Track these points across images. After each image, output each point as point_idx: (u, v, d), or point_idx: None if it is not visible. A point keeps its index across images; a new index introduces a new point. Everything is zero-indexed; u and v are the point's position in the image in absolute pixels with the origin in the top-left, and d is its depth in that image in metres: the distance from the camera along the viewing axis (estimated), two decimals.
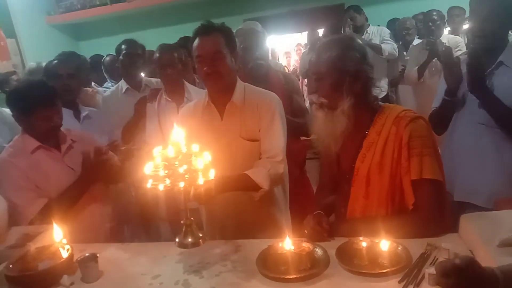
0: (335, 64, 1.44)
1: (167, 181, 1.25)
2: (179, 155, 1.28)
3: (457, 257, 0.87)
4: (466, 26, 3.59)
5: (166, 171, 1.26)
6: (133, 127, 2.63)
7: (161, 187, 1.25)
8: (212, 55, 1.68)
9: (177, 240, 1.38)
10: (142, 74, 2.98)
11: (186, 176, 1.26)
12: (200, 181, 1.28)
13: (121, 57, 2.90)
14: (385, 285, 1.16)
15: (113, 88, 3.07)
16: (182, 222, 1.38)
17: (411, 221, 1.39)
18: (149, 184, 1.26)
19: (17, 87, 1.94)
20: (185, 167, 1.26)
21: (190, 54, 2.12)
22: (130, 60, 2.88)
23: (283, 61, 7.73)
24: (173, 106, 2.46)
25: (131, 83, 2.90)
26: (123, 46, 2.92)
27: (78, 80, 2.58)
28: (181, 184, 1.26)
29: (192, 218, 1.38)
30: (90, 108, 2.66)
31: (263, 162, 1.72)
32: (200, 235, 1.38)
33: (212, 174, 1.32)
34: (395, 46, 4.21)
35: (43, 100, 1.82)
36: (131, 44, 2.94)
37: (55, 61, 2.50)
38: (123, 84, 2.91)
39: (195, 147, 1.33)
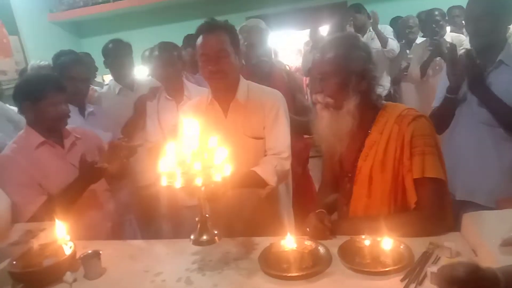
0: (341, 63, 1.44)
1: (180, 180, 1.22)
2: (193, 151, 1.25)
3: (460, 266, 0.86)
4: None
5: (181, 169, 1.23)
6: (133, 126, 2.63)
7: (177, 184, 1.22)
8: (216, 53, 1.68)
9: (192, 237, 1.35)
10: (146, 73, 2.97)
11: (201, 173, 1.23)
12: (217, 177, 1.25)
13: (110, 59, 2.88)
14: (387, 283, 1.16)
15: (105, 88, 3.07)
16: (196, 219, 1.34)
17: (414, 219, 1.39)
18: (164, 182, 1.24)
19: (26, 78, 2.00)
20: (200, 164, 1.22)
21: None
22: (120, 61, 2.86)
23: (295, 58, 7.66)
24: (172, 104, 2.47)
25: (122, 83, 2.89)
26: (110, 46, 2.89)
27: (89, 82, 2.63)
28: (198, 181, 1.22)
29: (207, 215, 1.35)
30: (95, 105, 2.67)
31: (270, 159, 1.72)
32: (215, 232, 1.36)
33: (228, 169, 1.28)
34: (398, 44, 4.21)
35: (53, 86, 1.86)
36: (119, 45, 2.91)
37: (67, 62, 2.47)
38: (115, 85, 2.91)
39: (212, 142, 1.29)
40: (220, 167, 1.27)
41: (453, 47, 2.06)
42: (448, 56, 2.06)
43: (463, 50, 2.85)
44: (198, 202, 1.33)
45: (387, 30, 4.32)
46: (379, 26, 4.34)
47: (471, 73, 1.86)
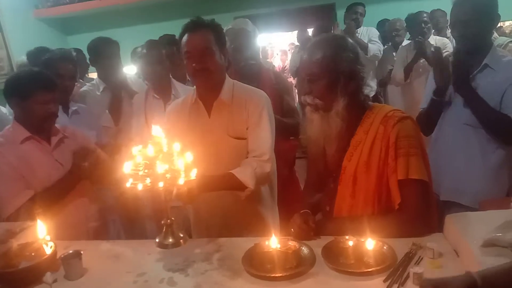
0: (329, 64, 1.43)
1: (148, 181, 1.24)
2: (160, 154, 1.27)
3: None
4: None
5: (146, 171, 1.25)
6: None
7: (140, 186, 1.24)
8: (201, 51, 1.67)
9: (157, 240, 1.36)
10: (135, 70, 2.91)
11: (167, 175, 1.25)
12: (181, 181, 1.26)
13: (96, 57, 2.79)
14: (370, 284, 1.17)
15: (90, 84, 3.01)
16: (162, 222, 1.36)
17: (397, 220, 1.39)
18: (128, 184, 1.25)
19: (17, 73, 1.97)
20: (165, 166, 1.25)
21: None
22: (106, 60, 2.77)
23: (277, 59, 7.70)
24: (160, 103, 2.45)
25: (108, 82, 2.83)
26: (96, 44, 2.78)
27: (75, 80, 2.59)
28: (161, 184, 1.24)
29: (172, 218, 1.36)
30: (79, 104, 2.63)
31: (250, 161, 1.71)
32: (181, 235, 1.37)
33: (194, 173, 1.30)
34: (381, 47, 4.23)
35: (43, 84, 1.84)
36: (108, 44, 2.80)
37: (54, 58, 2.42)
38: (99, 83, 2.85)
39: (177, 146, 1.31)
40: (187, 171, 1.28)
41: (438, 50, 2.08)
42: (433, 59, 2.09)
43: (447, 53, 2.90)
44: (163, 206, 1.35)
45: (373, 32, 4.34)
46: (365, 28, 4.37)
47: (456, 72, 1.88)
